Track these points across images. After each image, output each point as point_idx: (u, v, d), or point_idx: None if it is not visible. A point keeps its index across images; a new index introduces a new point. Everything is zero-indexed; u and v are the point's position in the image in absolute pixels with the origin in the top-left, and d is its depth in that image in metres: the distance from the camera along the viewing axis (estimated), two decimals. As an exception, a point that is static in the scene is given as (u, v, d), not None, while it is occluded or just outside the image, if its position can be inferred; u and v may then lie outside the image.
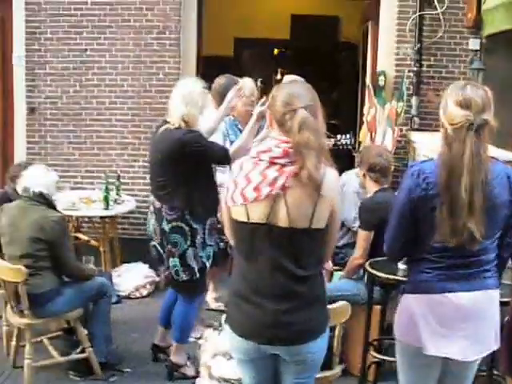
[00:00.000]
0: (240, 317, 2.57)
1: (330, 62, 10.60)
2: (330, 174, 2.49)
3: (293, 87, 2.58)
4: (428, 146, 5.65)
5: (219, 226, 4.37)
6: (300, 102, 2.46)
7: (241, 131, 5.17)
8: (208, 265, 4.21)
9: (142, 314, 5.44)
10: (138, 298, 5.82)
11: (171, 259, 4.10)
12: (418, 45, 6.21)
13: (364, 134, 7.01)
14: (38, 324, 4.22)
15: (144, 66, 6.31)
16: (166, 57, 6.30)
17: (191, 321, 4.35)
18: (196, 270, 4.11)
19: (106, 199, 5.66)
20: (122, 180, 6.08)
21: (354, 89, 8.66)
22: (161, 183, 4.10)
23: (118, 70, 6.34)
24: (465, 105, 2.50)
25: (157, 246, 4.18)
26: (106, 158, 6.45)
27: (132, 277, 5.87)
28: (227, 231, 2.66)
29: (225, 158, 4.11)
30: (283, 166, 2.42)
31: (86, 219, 6.17)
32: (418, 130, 6.22)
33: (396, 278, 3.74)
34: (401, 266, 3.76)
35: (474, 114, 2.48)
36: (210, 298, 5.53)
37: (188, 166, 3.99)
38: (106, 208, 5.70)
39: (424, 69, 6.31)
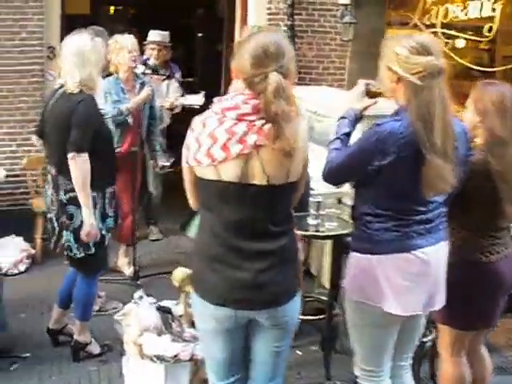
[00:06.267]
0: (215, 281, 2.35)
1: (188, 21, 10.40)
2: (300, 125, 2.32)
3: (265, 40, 2.24)
4: (306, 100, 5.68)
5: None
6: (273, 63, 2.20)
7: (123, 90, 5.25)
8: (107, 238, 3.99)
9: (24, 291, 5.07)
10: (15, 274, 5.43)
11: (64, 232, 3.84)
12: (290, -1, 6.20)
13: (234, 90, 6.95)
14: None
15: (5, 25, 5.81)
16: (30, 14, 5.85)
17: (93, 297, 4.15)
18: (91, 245, 3.85)
19: (-25, 168, 5.22)
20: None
21: (218, 45, 8.50)
22: (56, 150, 3.84)
23: (-24, 28, 5.79)
24: (425, 51, 2.38)
25: (53, 218, 3.91)
26: (-34, 126, 5.91)
27: (7, 252, 5.46)
28: (188, 190, 2.47)
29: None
30: (252, 121, 2.24)
31: None
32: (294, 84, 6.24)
33: (310, 233, 3.79)
34: (311, 221, 3.86)
35: (437, 59, 2.38)
36: (123, 262, 5.43)
37: None
38: (-24, 177, 5.27)
39: (297, 23, 6.31)
